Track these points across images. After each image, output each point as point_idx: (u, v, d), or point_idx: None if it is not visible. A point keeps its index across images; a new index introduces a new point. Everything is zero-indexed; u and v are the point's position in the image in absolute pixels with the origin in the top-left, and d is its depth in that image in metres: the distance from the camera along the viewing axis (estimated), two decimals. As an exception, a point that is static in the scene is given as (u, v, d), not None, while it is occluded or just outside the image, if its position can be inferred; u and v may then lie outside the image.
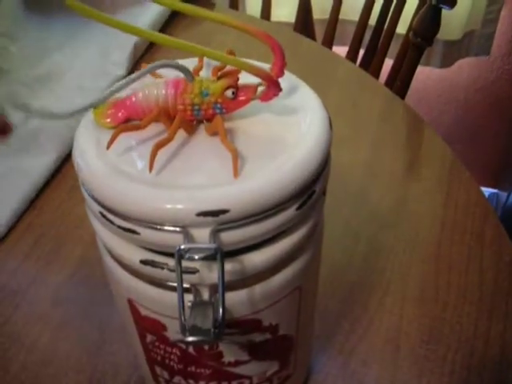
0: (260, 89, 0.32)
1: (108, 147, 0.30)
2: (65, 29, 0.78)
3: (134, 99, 0.32)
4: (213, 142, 0.31)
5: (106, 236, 0.32)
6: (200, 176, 0.29)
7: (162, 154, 0.30)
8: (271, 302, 0.34)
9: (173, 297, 0.31)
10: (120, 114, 0.32)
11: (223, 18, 0.30)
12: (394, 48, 0.98)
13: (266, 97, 0.31)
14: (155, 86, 0.32)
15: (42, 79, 0.68)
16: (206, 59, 0.36)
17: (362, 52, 1.05)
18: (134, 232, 0.29)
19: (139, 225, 0.29)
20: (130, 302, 0.35)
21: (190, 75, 0.31)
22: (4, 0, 0.74)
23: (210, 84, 0.31)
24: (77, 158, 0.31)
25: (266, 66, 0.32)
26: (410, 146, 0.67)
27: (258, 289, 0.33)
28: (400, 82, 0.84)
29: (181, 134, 0.32)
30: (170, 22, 0.83)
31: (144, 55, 0.76)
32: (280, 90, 0.31)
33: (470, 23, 1.41)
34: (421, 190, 0.61)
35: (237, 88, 0.31)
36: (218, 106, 0.31)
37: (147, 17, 0.78)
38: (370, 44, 1.03)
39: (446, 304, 0.51)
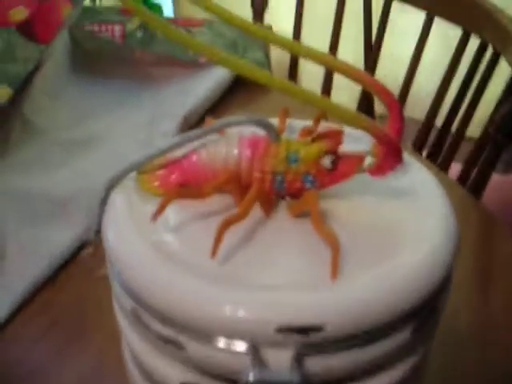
0: (368, 159, 0.23)
1: (154, 218, 0.22)
2: (111, 95, 0.72)
3: (194, 159, 0.24)
4: (298, 226, 0.23)
5: (137, 343, 0.23)
6: (280, 273, 0.21)
7: (228, 237, 0.22)
8: None
9: None
10: (173, 178, 0.24)
11: (331, 60, 0.22)
12: (462, 151, 0.90)
13: (379, 169, 0.22)
14: (225, 144, 0.24)
15: (80, 143, 0.61)
16: (289, 122, 0.28)
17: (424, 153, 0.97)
18: (177, 345, 0.20)
19: (187, 335, 0.20)
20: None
21: (275, 133, 0.23)
22: (51, 58, 0.68)
23: (301, 147, 0.23)
24: (108, 230, 0.23)
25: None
26: (485, 251, 0.57)
27: None
28: (473, 185, 0.75)
29: (255, 211, 0.23)
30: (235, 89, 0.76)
31: (195, 127, 0.69)
32: (401, 160, 0.22)
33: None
34: (498, 299, 0.51)
35: (337, 155, 0.23)
36: (310, 177, 0.23)
37: (209, 81, 0.71)
38: (435, 145, 0.95)
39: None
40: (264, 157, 0.23)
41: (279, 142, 0.23)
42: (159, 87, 0.77)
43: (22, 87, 0.60)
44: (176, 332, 0.20)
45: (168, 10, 1.45)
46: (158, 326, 0.21)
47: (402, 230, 0.22)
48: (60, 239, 0.51)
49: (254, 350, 0.19)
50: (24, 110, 0.61)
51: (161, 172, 0.24)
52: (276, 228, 0.23)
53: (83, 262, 0.51)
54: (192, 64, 0.81)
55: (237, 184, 0.23)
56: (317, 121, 0.27)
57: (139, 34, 0.80)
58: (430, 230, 0.22)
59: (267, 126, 0.23)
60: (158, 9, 1.28)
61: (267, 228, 0.23)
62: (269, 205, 0.23)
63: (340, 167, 0.23)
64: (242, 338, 0.19)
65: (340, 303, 0.19)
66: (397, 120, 0.22)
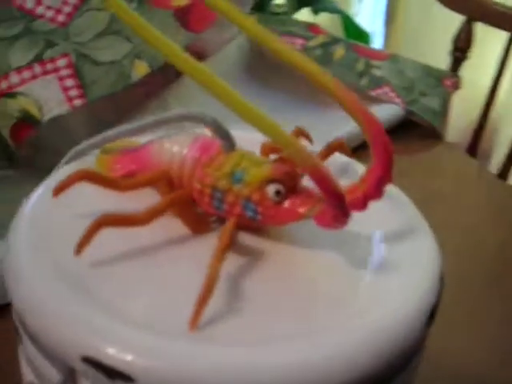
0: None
1: (55, 194, 0.18)
2: (270, 106, 0.71)
3: (148, 150, 0.21)
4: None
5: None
6: (152, 309, 0.17)
7: (118, 244, 0.18)
8: None
9: None
10: (122, 166, 0.21)
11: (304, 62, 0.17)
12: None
13: (321, 218, 0.17)
14: (179, 140, 0.20)
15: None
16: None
17: None
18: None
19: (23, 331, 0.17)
20: None
21: (230, 141, 0.19)
22: (218, 54, 0.68)
23: (252, 166, 0.19)
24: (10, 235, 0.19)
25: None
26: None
27: None
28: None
29: (180, 229, 0.19)
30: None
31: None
32: (346, 217, 0.17)
33: None
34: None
35: (288, 186, 0.18)
36: (251, 205, 0.18)
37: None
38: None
39: None
40: (207, 166, 0.19)
41: (231, 154, 0.19)
42: (322, 111, 0.73)
43: (174, 75, 0.60)
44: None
45: (378, 42, 1.42)
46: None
47: (354, 292, 0.17)
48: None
49: (70, 373, 0.16)
50: (166, 94, 0.61)
51: (120, 157, 0.22)
52: (193, 253, 0.19)
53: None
54: (362, 95, 0.76)
55: (169, 188, 0.19)
56: (331, 150, 0.22)
57: (318, 52, 0.78)
58: (392, 303, 0.17)
59: (221, 131, 0.19)
60: (365, 36, 1.25)
61: (177, 246, 0.19)
62: (199, 224, 0.19)
63: (289, 203, 0.18)
64: (60, 357, 0.16)
65: (161, 353, 0.15)
66: (380, 167, 0.17)
